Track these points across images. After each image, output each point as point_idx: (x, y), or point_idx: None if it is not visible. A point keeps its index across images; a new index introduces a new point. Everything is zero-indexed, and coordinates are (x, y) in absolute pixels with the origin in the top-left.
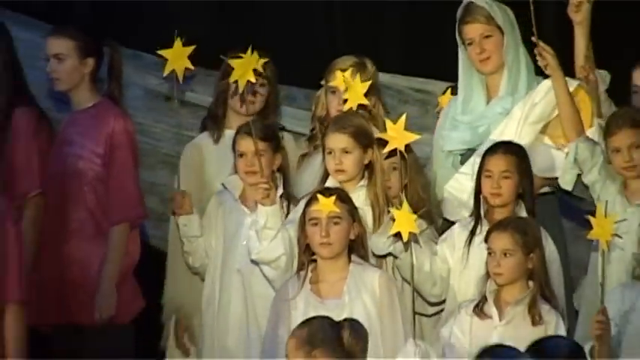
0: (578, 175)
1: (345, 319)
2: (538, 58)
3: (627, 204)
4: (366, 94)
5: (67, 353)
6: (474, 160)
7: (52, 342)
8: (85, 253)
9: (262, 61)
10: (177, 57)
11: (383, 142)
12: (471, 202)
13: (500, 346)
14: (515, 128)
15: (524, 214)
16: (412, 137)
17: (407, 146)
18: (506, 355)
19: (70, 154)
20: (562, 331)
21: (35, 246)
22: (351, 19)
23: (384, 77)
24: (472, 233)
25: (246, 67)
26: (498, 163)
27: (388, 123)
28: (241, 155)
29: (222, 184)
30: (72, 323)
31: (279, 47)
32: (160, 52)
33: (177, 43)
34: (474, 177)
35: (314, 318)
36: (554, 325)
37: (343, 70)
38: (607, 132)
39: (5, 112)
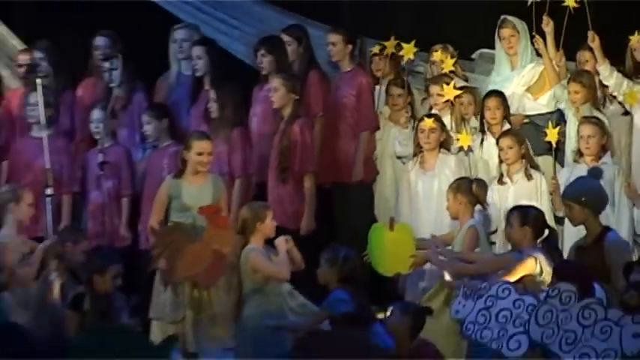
0: None
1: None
2: (536, 45)
3: None
4: None
5: None
6: None
7: None
8: None
9: None
10: None
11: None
12: None
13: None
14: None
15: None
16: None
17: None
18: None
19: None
20: (545, 184)
21: None
22: None
23: None
24: (482, 140)
25: None
26: (493, 101)
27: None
28: None
29: None
30: None
31: None
32: None
33: None
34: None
35: (460, 178)
36: (538, 178)
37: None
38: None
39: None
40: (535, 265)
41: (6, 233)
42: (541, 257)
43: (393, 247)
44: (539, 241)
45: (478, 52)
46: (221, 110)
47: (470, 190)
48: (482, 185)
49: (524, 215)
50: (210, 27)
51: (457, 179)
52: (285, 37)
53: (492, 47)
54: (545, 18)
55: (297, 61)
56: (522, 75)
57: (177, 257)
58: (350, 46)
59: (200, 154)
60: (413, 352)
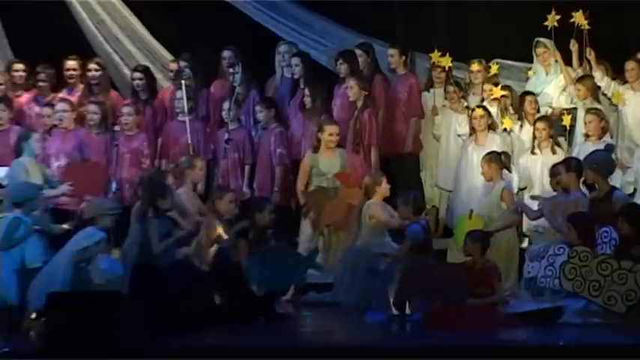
0: None
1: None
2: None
3: None
4: None
5: None
6: None
7: None
8: None
9: None
10: None
11: None
12: None
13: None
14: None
15: None
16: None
17: None
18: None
19: None
20: (562, 155)
21: None
22: None
23: None
24: (520, 125)
25: None
26: (532, 97)
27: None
28: None
29: None
30: None
31: None
32: None
33: None
34: None
35: (491, 151)
36: (560, 152)
37: None
38: None
39: None
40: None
41: (184, 190)
42: (584, 198)
43: (472, 223)
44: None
45: (495, 60)
46: (312, 102)
47: (500, 159)
48: (508, 157)
49: (569, 164)
50: (303, 43)
51: (489, 152)
52: (358, 51)
53: (506, 58)
54: (572, 41)
55: (366, 68)
56: (559, 80)
57: (321, 210)
58: (403, 57)
59: (331, 134)
60: (482, 266)
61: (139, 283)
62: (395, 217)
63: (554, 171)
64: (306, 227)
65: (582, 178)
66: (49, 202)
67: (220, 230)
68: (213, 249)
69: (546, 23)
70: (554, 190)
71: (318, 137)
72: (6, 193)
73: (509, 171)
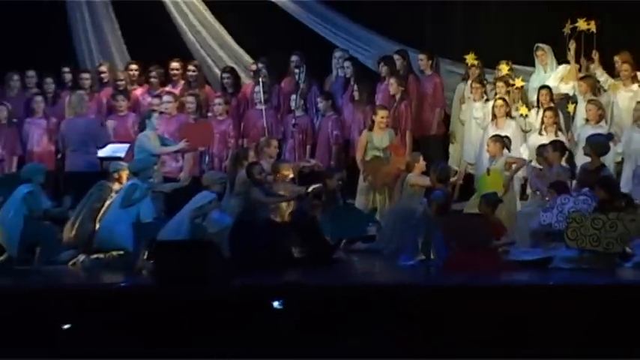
0: None
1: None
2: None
3: None
4: None
5: None
6: None
7: None
8: None
9: None
10: None
11: None
12: None
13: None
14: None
15: None
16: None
17: None
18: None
19: None
20: (564, 137)
21: None
22: None
23: None
24: (537, 111)
25: None
26: (546, 89)
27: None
28: None
29: None
30: None
31: None
32: None
33: None
34: None
35: (496, 135)
36: (561, 135)
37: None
38: None
39: None
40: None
41: (263, 162)
42: (563, 171)
43: (491, 182)
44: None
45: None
46: (360, 96)
47: (502, 141)
48: (509, 140)
49: (555, 145)
50: (353, 50)
51: (494, 135)
52: (396, 56)
53: (519, 62)
54: (571, 42)
55: (402, 69)
56: (556, 74)
57: (378, 173)
58: (430, 61)
59: (382, 117)
60: (492, 221)
61: (238, 233)
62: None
63: (540, 150)
64: (362, 189)
65: (565, 156)
66: (160, 172)
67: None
68: (292, 207)
69: (564, 30)
70: (540, 164)
71: (372, 119)
72: (131, 166)
73: (509, 151)
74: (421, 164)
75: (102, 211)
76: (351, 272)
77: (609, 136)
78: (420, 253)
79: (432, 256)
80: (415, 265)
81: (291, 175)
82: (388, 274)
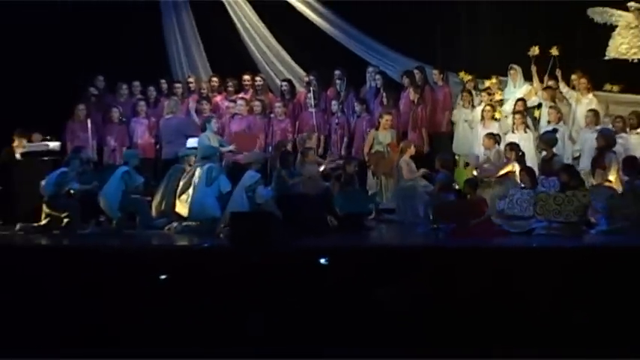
0: None
1: None
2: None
3: None
4: None
5: None
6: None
7: None
8: None
9: None
10: None
11: None
12: None
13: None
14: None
15: None
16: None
17: None
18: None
19: None
20: (531, 134)
21: None
22: None
23: None
24: (513, 116)
25: None
26: (521, 101)
27: None
28: None
29: None
30: None
31: None
32: None
33: None
34: None
35: (489, 132)
36: (529, 132)
37: None
38: None
39: None
40: (514, 168)
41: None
42: (517, 165)
43: (469, 173)
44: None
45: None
46: (388, 101)
47: (495, 138)
48: (500, 137)
49: (512, 146)
50: (383, 66)
51: (489, 133)
52: (415, 71)
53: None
54: (533, 65)
55: (420, 80)
56: (521, 90)
57: (379, 164)
58: (441, 75)
59: (386, 119)
60: (476, 199)
61: (280, 205)
62: (414, 172)
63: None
64: (369, 177)
65: (520, 153)
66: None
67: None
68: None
69: (529, 53)
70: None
71: (379, 121)
72: (197, 152)
73: (499, 145)
74: (411, 150)
75: (180, 187)
76: (380, 236)
77: (555, 131)
78: (431, 222)
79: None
80: (428, 232)
81: (321, 166)
82: (407, 238)
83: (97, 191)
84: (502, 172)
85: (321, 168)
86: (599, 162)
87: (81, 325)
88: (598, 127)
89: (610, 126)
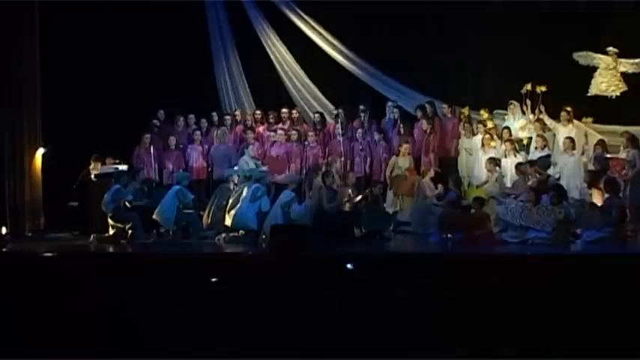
0: None
1: None
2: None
3: None
4: None
5: None
6: None
7: None
8: None
9: None
10: None
11: None
12: None
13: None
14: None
15: None
16: None
17: None
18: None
19: None
20: (521, 158)
21: None
22: None
23: None
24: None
25: None
26: (508, 130)
27: None
28: None
29: None
30: None
31: None
32: None
33: None
34: None
35: (491, 157)
36: (520, 157)
37: None
38: None
39: None
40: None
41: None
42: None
43: (477, 192)
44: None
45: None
46: (404, 131)
47: (495, 162)
48: (500, 161)
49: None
50: (400, 100)
51: (491, 157)
52: (427, 105)
53: (503, 108)
54: (527, 101)
55: (431, 113)
56: (518, 123)
57: (400, 185)
58: (450, 108)
59: (405, 148)
60: (481, 214)
61: (317, 221)
62: (433, 190)
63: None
64: (389, 196)
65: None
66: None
67: (350, 193)
68: (349, 204)
69: (521, 90)
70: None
71: (399, 149)
72: (239, 174)
73: (500, 168)
74: (431, 172)
75: (229, 203)
76: (398, 245)
77: (549, 157)
78: (442, 233)
79: (450, 235)
80: (440, 241)
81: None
82: (421, 246)
83: (151, 206)
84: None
85: (354, 198)
86: (595, 183)
87: (142, 323)
88: (575, 152)
89: (591, 152)
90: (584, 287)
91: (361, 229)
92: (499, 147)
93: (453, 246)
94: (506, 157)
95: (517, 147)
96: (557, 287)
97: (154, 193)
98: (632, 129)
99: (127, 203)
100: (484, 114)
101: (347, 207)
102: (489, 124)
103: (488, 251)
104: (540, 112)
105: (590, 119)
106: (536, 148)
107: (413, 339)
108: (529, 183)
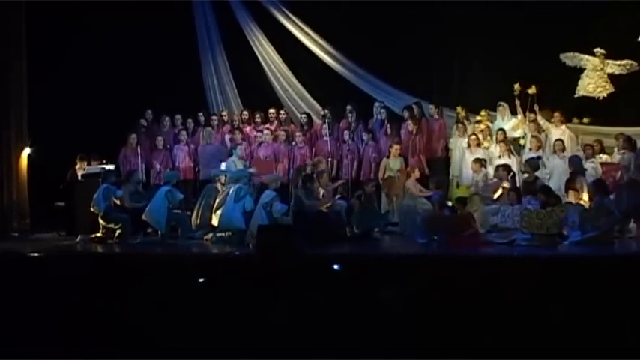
0: None
1: None
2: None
3: None
4: None
5: None
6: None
7: None
8: None
9: None
10: None
11: None
12: None
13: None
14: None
15: None
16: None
17: None
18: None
19: None
20: (514, 159)
21: None
22: None
23: None
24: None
25: None
26: (502, 131)
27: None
28: None
29: None
30: None
31: None
32: None
33: None
34: None
35: (477, 158)
36: (514, 158)
37: None
38: None
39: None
40: (506, 185)
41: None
42: (507, 184)
43: (460, 192)
44: (509, 177)
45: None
46: (391, 131)
47: (481, 163)
48: (485, 162)
49: (504, 167)
50: (388, 101)
51: (477, 158)
52: (414, 105)
53: (491, 109)
54: (517, 102)
55: (418, 114)
56: (509, 124)
57: (392, 187)
58: (437, 109)
59: (396, 149)
60: (464, 214)
61: (297, 220)
62: (422, 191)
63: (497, 169)
64: (383, 197)
65: (511, 174)
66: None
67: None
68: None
69: (514, 90)
70: (496, 177)
71: (389, 150)
72: (227, 174)
73: (486, 169)
74: (416, 174)
75: (216, 203)
76: (385, 246)
77: (539, 158)
78: (428, 234)
79: (435, 237)
80: (426, 242)
81: (331, 185)
82: (407, 247)
83: (143, 207)
84: (497, 194)
85: (334, 186)
86: (572, 184)
87: (127, 324)
88: (566, 154)
89: (582, 154)
90: (572, 288)
91: (353, 229)
92: (494, 148)
93: (438, 247)
94: (500, 158)
95: (512, 148)
96: (545, 288)
97: (144, 195)
98: (625, 130)
99: (116, 202)
100: (484, 114)
101: (325, 207)
102: (482, 126)
103: (474, 252)
104: (534, 112)
105: (577, 120)
106: (530, 149)
107: (399, 339)
108: (505, 184)
